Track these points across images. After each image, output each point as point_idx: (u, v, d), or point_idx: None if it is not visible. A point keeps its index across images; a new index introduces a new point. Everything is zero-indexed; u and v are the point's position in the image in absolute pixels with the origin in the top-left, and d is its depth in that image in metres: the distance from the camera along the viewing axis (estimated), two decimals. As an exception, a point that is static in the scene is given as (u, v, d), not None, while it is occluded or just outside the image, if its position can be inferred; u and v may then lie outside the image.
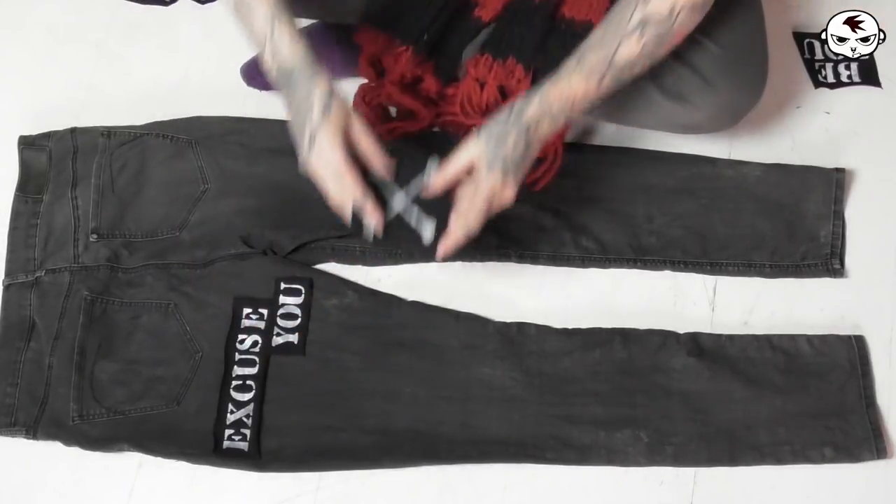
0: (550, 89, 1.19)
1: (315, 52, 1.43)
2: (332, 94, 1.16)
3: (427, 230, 1.21)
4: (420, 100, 1.39)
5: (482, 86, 1.35)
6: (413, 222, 1.20)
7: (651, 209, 1.43)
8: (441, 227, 1.20)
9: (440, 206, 1.20)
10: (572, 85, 1.18)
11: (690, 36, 1.27)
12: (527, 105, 1.19)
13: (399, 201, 1.21)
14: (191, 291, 1.38)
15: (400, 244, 1.18)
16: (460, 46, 1.36)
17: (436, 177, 1.20)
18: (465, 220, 1.19)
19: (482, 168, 1.18)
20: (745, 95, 1.33)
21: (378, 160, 1.19)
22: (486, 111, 1.35)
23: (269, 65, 1.18)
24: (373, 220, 1.18)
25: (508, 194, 1.20)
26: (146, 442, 1.30)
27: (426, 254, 1.22)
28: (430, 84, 1.38)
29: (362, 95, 1.42)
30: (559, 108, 1.19)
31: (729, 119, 1.36)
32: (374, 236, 1.17)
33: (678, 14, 1.16)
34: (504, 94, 1.36)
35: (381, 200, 1.19)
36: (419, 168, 1.21)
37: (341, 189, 1.17)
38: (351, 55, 1.46)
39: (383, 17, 1.37)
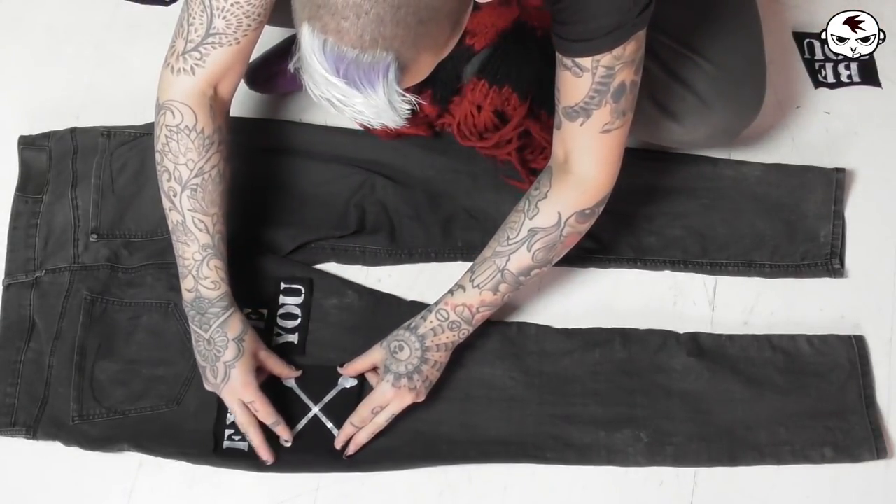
0: (447, 301, 1.25)
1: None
2: (244, 333, 1.25)
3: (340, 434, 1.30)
4: (419, 121, 1.40)
5: (479, 109, 1.36)
6: (328, 425, 1.31)
7: (651, 209, 1.43)
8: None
9: (349, 415, 1.28)
10: (467, 297, 1.24)
11: (689, 56, 1.29)
12: (423, 319, 1.26)
13: (312, 411, 1.31)
14: (191, 291, 1.38)
15: (318, 449, 1.30)
16: (455, 70, 1.37)
17: (347, 367, 1.31)
18: (355, 418, 1.27)
19: (379, 375, 1.27)
20: (742, 117, 1.35)
21: (288, 375, 1.31)
22: (483, 134, 1.38)
23: (188, 293, 1.24)
24: (284, 436, 1.28)
25: (405, 400, 1.25)
26: (146, 442, 1.30)
27: (342, 454, 1.29)
28: (429, 110, 1.39)
29: None
30: (457, 317, 1.25)
31: (725, 138, 1.38)
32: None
33: (566, 222, 1.19)
34: (501, 117, 1.36)
35: (297, 411, 1.31)
36: (331, 383, 1.32)
37: (250, 417, 1.25)
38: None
39: None
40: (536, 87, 1.35)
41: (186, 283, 1.24)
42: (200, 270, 1.23)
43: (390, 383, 1.25)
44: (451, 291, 1.25)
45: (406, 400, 1.25)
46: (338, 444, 1.28)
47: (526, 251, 1.21)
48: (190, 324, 1.25)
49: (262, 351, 1.28)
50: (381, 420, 1.26)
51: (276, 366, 1.29)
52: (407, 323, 1.27)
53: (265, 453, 1.26)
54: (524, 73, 1.35)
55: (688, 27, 1.30)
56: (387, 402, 1.26)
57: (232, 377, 1.24)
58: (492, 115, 1.36)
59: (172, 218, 1.23)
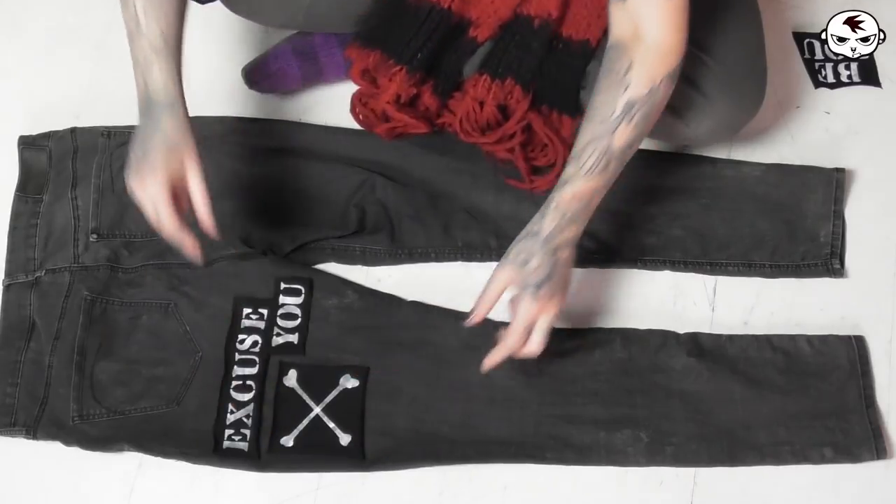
0: (560, 196, 1.21)
1: (317, 56, 1.44)
2: (186, 131, 1.21)
3: (344, 435, 1.29)
4: (419, 115, 1.40)
5: (481, 105, 1.36)
6: (330, 425, 1.30)
7: (651, 209, 1.43)
8: (354, 433, 1.29)
9: (351, 416, 1.30)
10: (579, 186, 1.20)
11: (690, 52, 1.28)
12: (542, 220, 1.21)
13: (314, 412, 1.31)
14: (191, 291, 1.38)
15: (319, 449, 1.30)
16: (457, 64, 1.37)
17: (478, 310, 1.24)
18: (506, 348, 1.24)
19: (516, 296, 1.22)
20: (743, 111, 1.34)
21: (203, 215, 1.23)
22: (486, 129, 1.37)
23: (141, 89, 1.21)
24: (193, 253, 1.23)
25: (550, 309, 1.22)
26: (146, 442, 1.30)
27: (343, 454, 1.29)
28: (430, 101, 1.38)
29: (359, 97, 1.43)
30: (575, 210, 1.21)
31: (726, 133, 1.37)
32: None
33: (659, 88, 1.18)
34: (504, 113, 1.36)
35: (298, 411, 1.31)
36: (332, 383, 1.32)
37: (158, 219, 1.21)
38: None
39: (375, 36, 1.37)
40: (539, 79, 1.35)
41: (140, 78, 1.20)
42: (156, 64, 1.19)
43: (533, 297, 1.21)
44: (559, 188, 1.21)
45: (551, 309, 1.22)
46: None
47: (627, 124, 1.18)
48: (140, 119, 1.22)
49: (195, 173, 1.22)
50: (537, 338, 1.23)
51: (197, 199, 1.22)
52: (524, 233, 1.23)
53: (194, 251, 1.23)
54: (525, 64, 1.34)
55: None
56: (533, 318, 1.22)
57: (148, 168, 1.18)
58: (495, 110, 1.36)
59: (126, 19, 1.20)
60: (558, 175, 1.27)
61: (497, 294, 1.24)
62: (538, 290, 1.21)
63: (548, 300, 1.22)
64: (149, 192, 1.20)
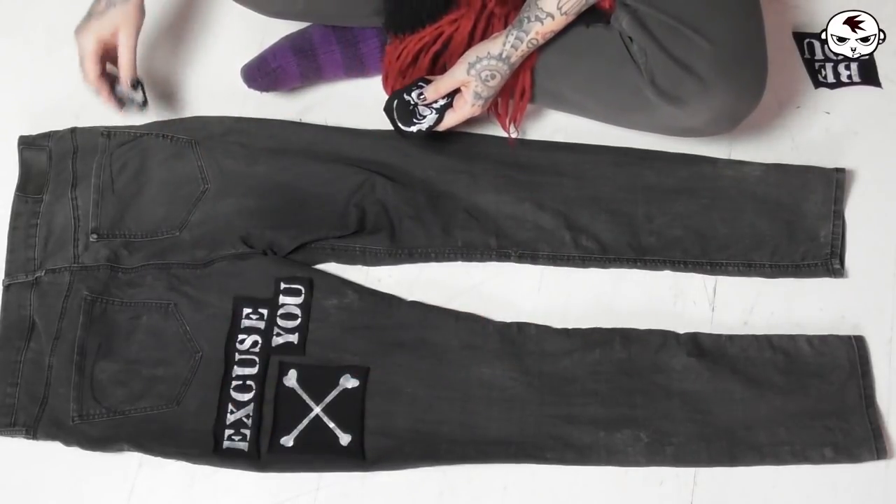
0: (536, 31, 1.31)
1: (315, 54, 1.44)
2: (133, 12, 1.38)
3: (344, 435, 1.30)
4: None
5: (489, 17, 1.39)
6: (329, 425, 1.31)
7: (651, 209, 1.43)
8: (354, 433, 1.30)
9: (351, 416, 1.31)
10: (556, 24, 1.30)
11: (687, 35, 1.27)
12: (514, 49, 1.31)
13: (314, 412, 1.32)
14: (191, 291, 1.38)
15: (319, 449, 1.31)
16: None
17: (429, 96, 1.38)
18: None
19: (464, 97, 1.36)
20: (743, 99, 1.32)
21: (125, 73, 1.41)
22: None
23: None
24: (109, 104, 1.43)
25: (476, 111, 1.39)
26: (146, 442, 1.30)
27: (343, 454, 1.30)
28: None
29: (393, 53, 1.43)
30: (540, 41, 1.32)
31: (727, 122, 1.35)
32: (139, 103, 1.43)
33: None
34: None
35: (298, 411, 1.32)
36: (332, 383, 1.32)
37: (82, 66, 1.40)
38: (351, 56, 1.46)
39: (403, 21, 1.38)
40: None
41: None
42: None
43: (475, 105, 1.36)
44: (539, 20, 1.30)
45: (476, 111, 1.38)
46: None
47: None
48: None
49: (127, 37, 1.38)
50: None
51: (123, 60, 1.40)
52: (497, 52, 1.32)
53: (111, 102, 1.42)
54: None
55: (685, 3, 1.29)
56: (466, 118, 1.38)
57: (85, 26, 1.39)
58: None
59: None
60: (517, 107, 1.40)
61: (450, 89, 1.37)
62: (480, 100, 1.35)
63: (479, 109, 1.37)
64: (81, 42, 1.38)
